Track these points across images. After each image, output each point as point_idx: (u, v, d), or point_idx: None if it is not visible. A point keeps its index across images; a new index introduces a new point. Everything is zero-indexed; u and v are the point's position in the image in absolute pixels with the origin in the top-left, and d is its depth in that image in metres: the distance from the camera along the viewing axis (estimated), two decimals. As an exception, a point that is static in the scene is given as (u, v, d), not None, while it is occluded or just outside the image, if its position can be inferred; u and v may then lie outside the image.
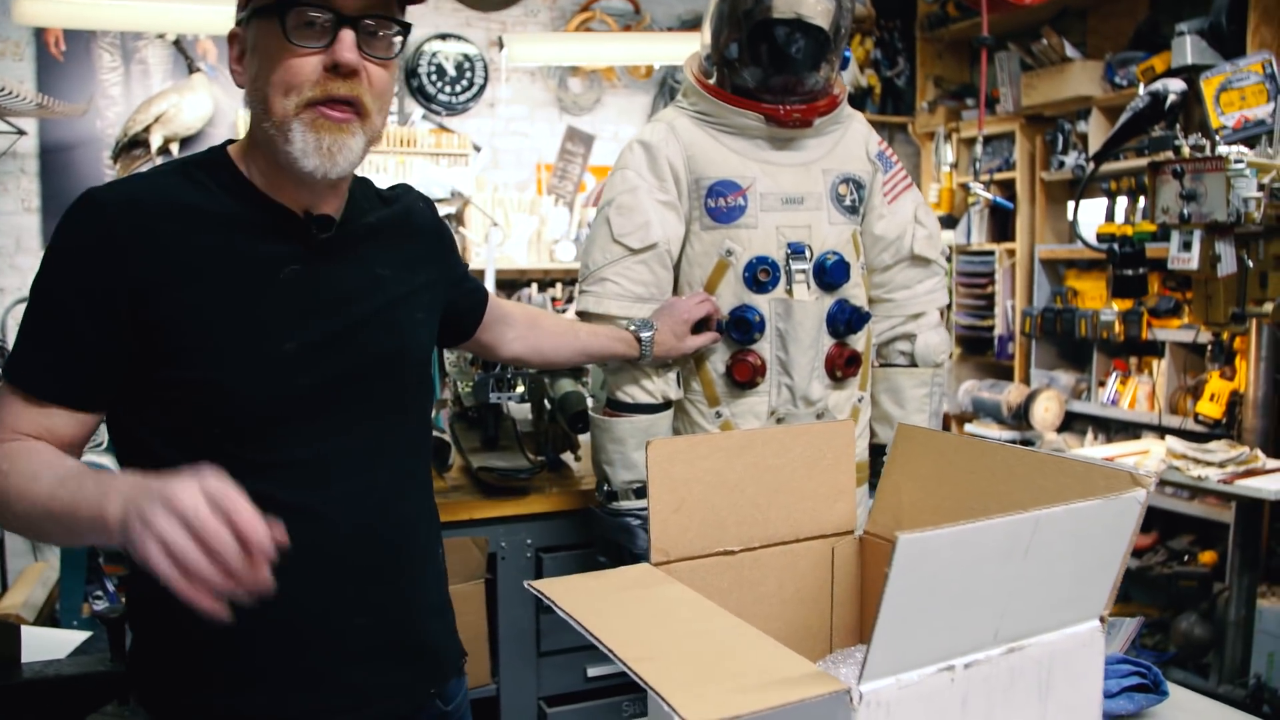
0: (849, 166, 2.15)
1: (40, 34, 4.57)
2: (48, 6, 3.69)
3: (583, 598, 0.92)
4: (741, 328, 2.05)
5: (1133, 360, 4.41)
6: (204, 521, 0.93)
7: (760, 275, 2.05)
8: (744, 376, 2.06)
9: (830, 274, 2.08)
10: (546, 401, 2.49)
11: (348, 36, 1.19)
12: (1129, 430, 4.40)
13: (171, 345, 1.19)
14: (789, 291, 2.07)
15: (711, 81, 2.11)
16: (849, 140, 2.18)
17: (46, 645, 2.60)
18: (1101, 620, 0.90)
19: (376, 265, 1.35)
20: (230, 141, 1.33)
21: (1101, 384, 4.49)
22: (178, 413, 1.21)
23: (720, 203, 2.06)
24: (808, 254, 2.08)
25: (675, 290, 2.13)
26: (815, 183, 2.11)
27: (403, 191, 1.51)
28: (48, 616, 4.04)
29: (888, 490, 1.16)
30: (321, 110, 1.20)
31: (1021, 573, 0.79)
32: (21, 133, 4.55)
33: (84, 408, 1.21)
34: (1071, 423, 4.63)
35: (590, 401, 2.32)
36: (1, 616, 3.71)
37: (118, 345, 1.18)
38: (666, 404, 2.11)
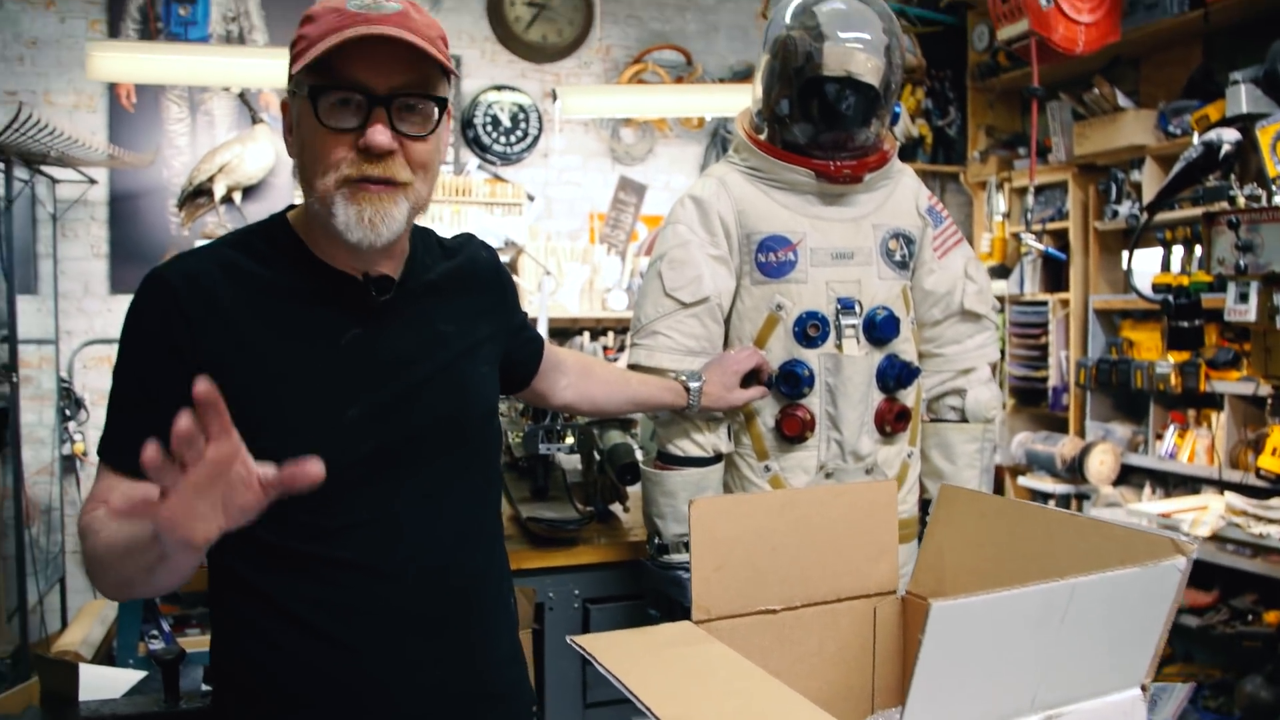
0: (899, 221, 2.17)
1: (113, 87, 4.74)
2: (119, 64, 3.83)
3: (623, 654, 0.93)
4: (791, 382, 2.06)
5: (1191, 413, 4.34)
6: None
7: (810, 330, 2.06)
8: (793, 431, 2.07)
9: (880, 329, 2.09)
10: (595, 453, 2.51)
11: (379, 118, 1.19)
12: (1188, 484, 4.32)
13: (239, 416, 1.20)
14: (838, 346, 2.08)
15: (763, 137, 2.14)
16: (899, 195, 2.19)
17: (103, 684, 2.64)
18: (1143, 689, 0.90)
19: (439, 321, 1.37)
20: (291, 207, 1.37)
21: (1159, 437, 4.42)
22: None
23: (770, 258, 2.08)
24: (857, 309, 2.09)
25: (725, 344, 2.15)
26: (865, 238, 2.12)
27: (465, 241, 1.52)
28: (105, 654, 4.12)
29: (930, 551, 1.17)
30: (360, 185, 1.21)
31: (1058, 640, 0.80)
32: (92, 181, 4.71)
33: None
34: (1129, 476, 4.56)
35: (639, 454, 2.34)
36: (60, 654, 3.79)
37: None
38: (717, 457, 2.12)
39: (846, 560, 1.14)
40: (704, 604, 1.06)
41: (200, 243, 1.71)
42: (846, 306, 2.08)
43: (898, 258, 2.15)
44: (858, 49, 2.01)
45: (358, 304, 1.30)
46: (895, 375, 2.10)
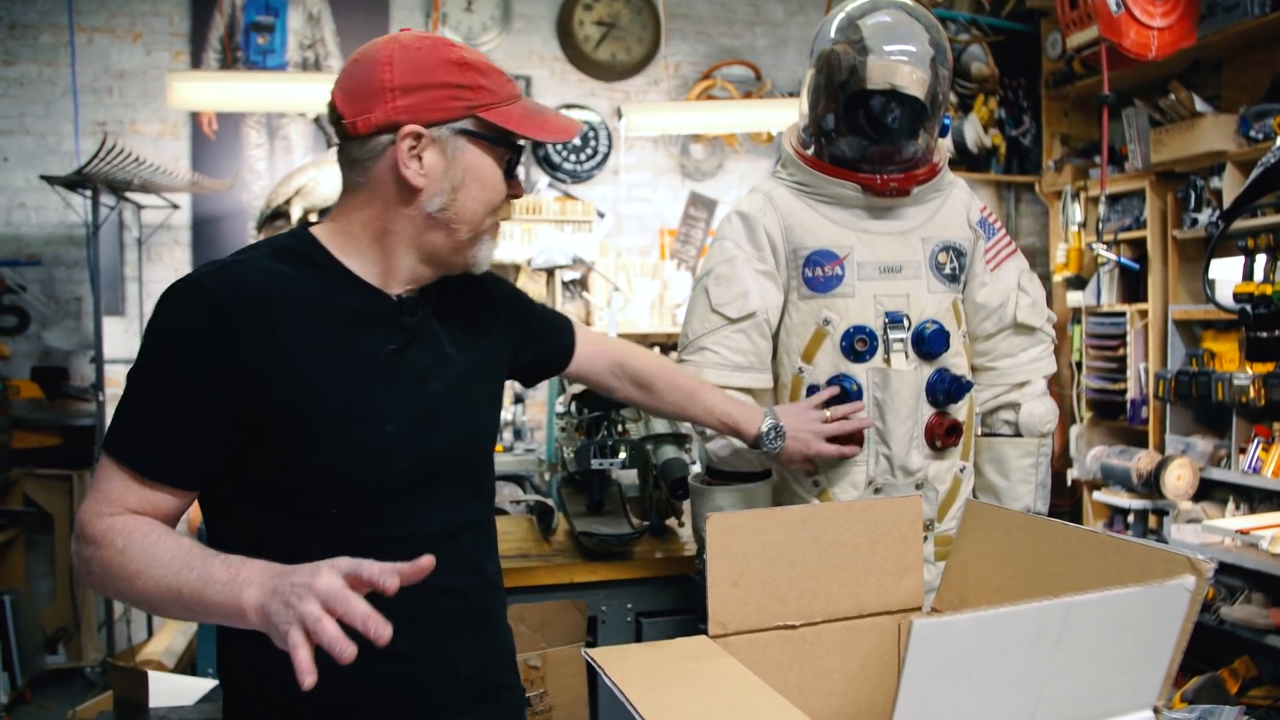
0: (949, 234, 2.14)
1: (195, 115, 4.91)
2: (198, 93, 3.96)
3: (633, 667, 0.94)
4: (839, 397, 2.05)
5: (1276, 426, 4.20)
6: (336, 593, 1.01)
7: (857, 344, 2.05)
8: (841, 446, 2.06)
9: (929, 343, 2.07)
10: (651, 468, 2.52)
11: (521, 172, 1.39)
12: (1273, 500, 4.18)
13: (281, 430, 1.25)
14: (887, 360, 2.06)
15: (809, 152, 2.14)
16: (949, 207, 2.17)
17: (177, 692, 2.74)
18: (1155, 711, 0.88)
19: (444, 343, 1.42)
20: (308, 224, 1.40)
21: (1242, 450, 4.28)
22: (287, 494, 1.28)
23: (817, 272, 2.08)
24: (906, 323, 2.07)
25: (774, 359, 2.14)
26: (914, 251, 2.10)
27: None
28: (187, 664, 4.25)
29: (955, 567, 1.16)
30: (497, 226, 1.41)
31: (1055, 659, 0.78)
32: (175, 206, 4.88)
33: (191, 487, 1.26)
34: (1211, 491, 4.42)
35: (694, 468, 2.35)
36: (144, 663, 3.91)
37: (227, 430, 1.23)
38: (766, 473, 2.12)
39: (869, 576, 1.14)
40: (720, 618, 1.06)
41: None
42: (894, 320, 2.07)
43: (948, 271, 2.12)
44: (903, 62, 2.00)
45: (391, 322, 1.35)
46: (945, 389, 2.07)
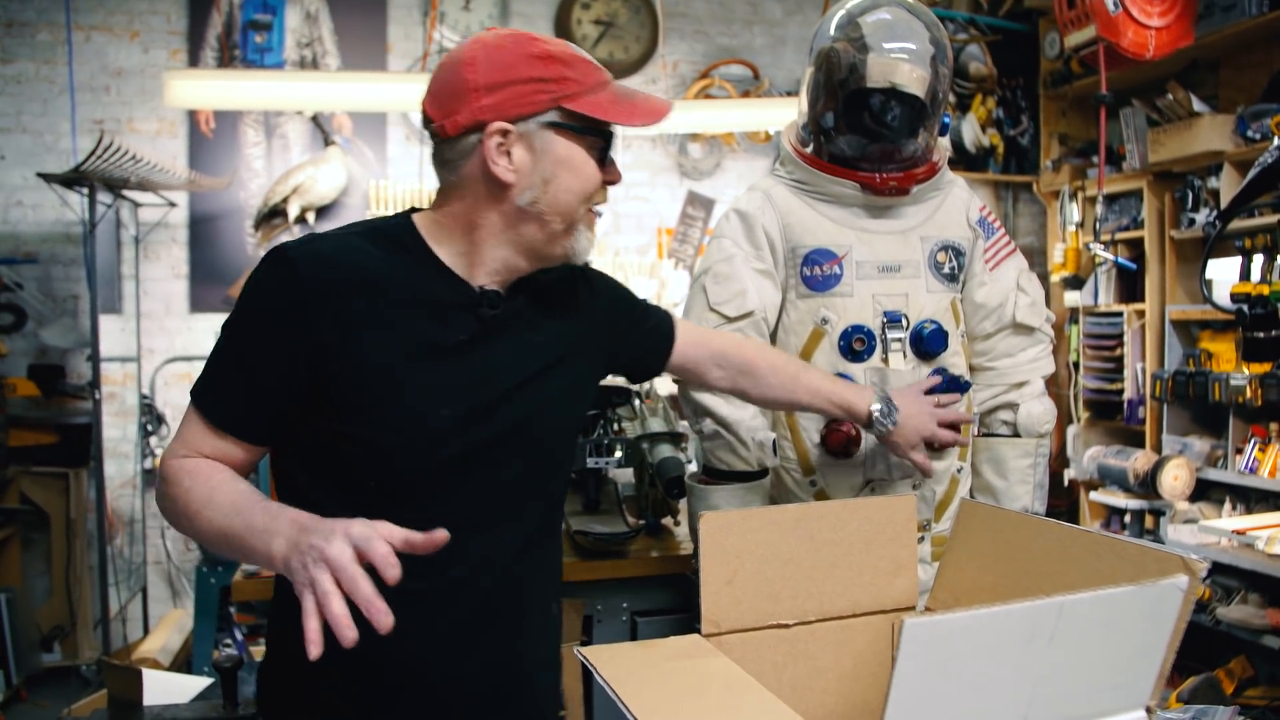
0: (948, 233, 2.14)
1: (192, 113, 4.91)
2: (195, 91, 3.96)
3: (626, 666, 0.94)
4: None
5: (1273, 426, 4.20)
6: (345, 568, 1.04)
7: (855, 344, 2.05)
8: (838, 445, 2.05)
9: (927, 343, 2.06)
10: (646, 467, 2.52)
11: (617, 159, 1.39)
12: (1270, 500, 4.18)
13: (341, 402, 1.29)
14: (885, 360, 2.06)
15: (808, 150, 2.14)
16: (949, 207, 2.17)
17: (172, 690, 2.74)
18: (1148, 711, 0.88)
19: (530, 333, 1.43)
20: (413, 210, 1.42)
21: (1239, 451, 4.28)
22: (334, 463, 1.32)
23: (815, 271, 2.07)
24: (904, 322, 2.07)
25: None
26: (913, 250, 2.10)
27: None
28: (183, 662, 4.25)
29: (950, 567, 1.15)
30: (593, 214, 1.42)
31: (1047, 659, 0.78)
32: (173, 205, 4.87)
33: (256, 442, 1.33)
34: (1207, 491, 4.42)
35: (691, 467, 2.34)
36: (139, 660, 3.92)
37: (294, 395, 1.29)
38: (762, 472, 2.11)
39: (863, 575, 1.13)
40: (714, 617, 1.06)
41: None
42: (893, 320, 2.06)
43: (946, 270, 2.12)
44: (903, 60, 1.99)
45: (469, 313, 1.36)
46: (943, 389, 2.07)
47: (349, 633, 1.01)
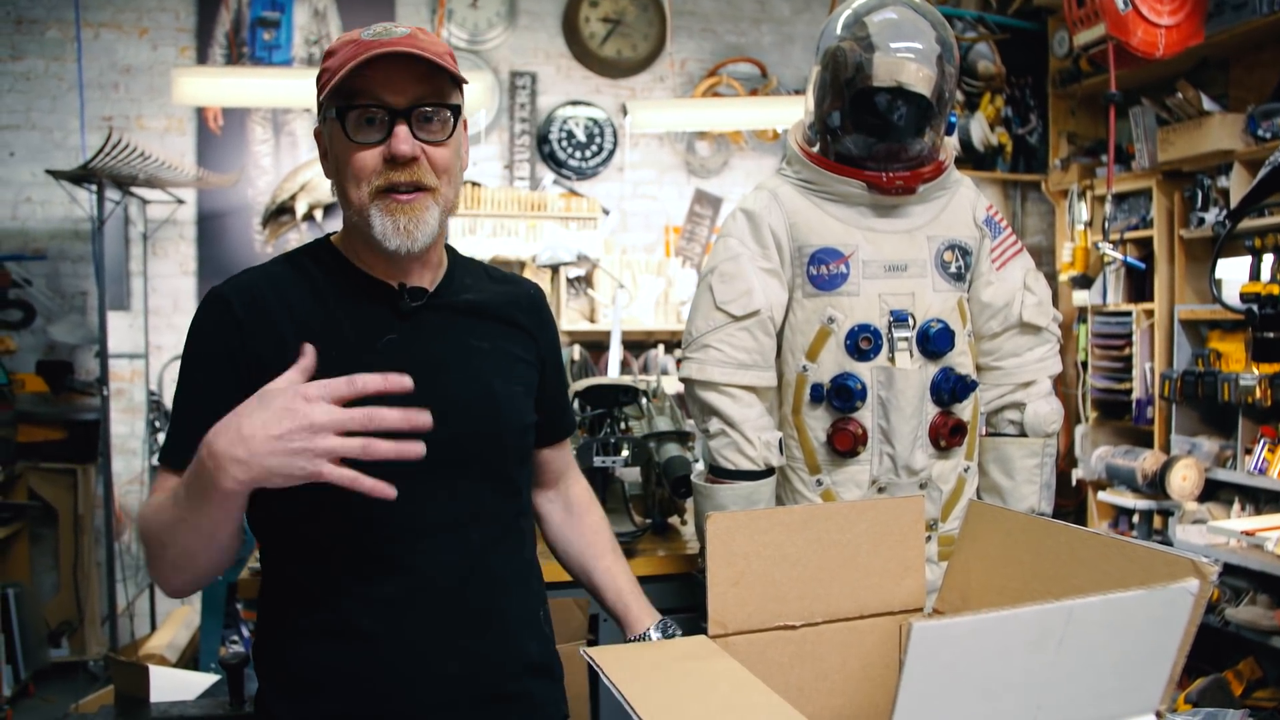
0: (955, 233, 2.14)
1: (200, 110, 4.91)
2: (203, 88, 3.96)
3: (632, 667, 0.94)
4: (843, 396, 2.04)
5: (1282, 427, 4.18)
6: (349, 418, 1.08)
7: (862, 343, 2.04)
8: (845, 445, 2.05)
9: (934, 342, 2.06)
10: (653, 466, 2.51)
11: (401, 130, 1.29)
12: (1279, 501, 4.16)
13: None
14: (891, 359, 2.05)
15: (815, 149, 2.13)
16: (955, 206, 2.16)
17: (179, 686, 2.73)
18: (1158, 715, 0.87)
19: (472, 337, 1.42)
20: (333, 233, 1.46)
21: (1248, 451, 4.26)
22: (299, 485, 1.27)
23: (822, 270, 2.07)
24: (911, 321, 2.07)
25: (779, 357, 2.13)
26: (919, 249, 2.10)
27: (516, 277, 1.60)
28: (190, 658, 4.26)
29: (957, 568, 1.15)
30: (392, 195, 1.31)
31: (1056, 664, 0.78)
32: (181, 202, 4.88)
33: None
34: (1216, 492, 4.40)
35: (697, 467, 2.34)
36: (146, 657, 3.93)
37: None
38: (769, 471, 2.11)
39: (870, 577, 1.13)
40: (720, 618, 1.06)
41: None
42: (899, 319, 2.06)
43: (953, 269, 2.11)
44: (909, 59, 1.99)
45: (394, 311, 1.37)
46: (950, 389, 2.07)
47: (390, 490, 1.07)
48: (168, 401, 4.93)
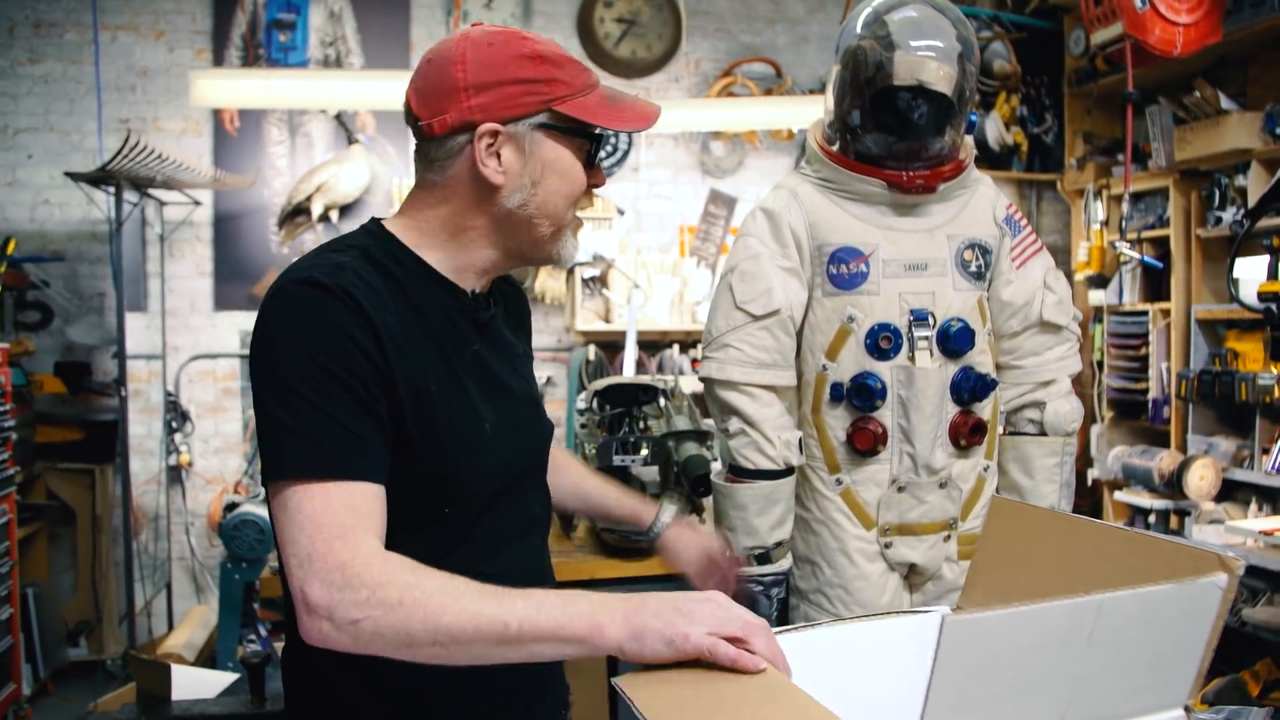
0: (975, 231, 2.13)
1: (217, 112, 4.94)
2: (219, 90, 3.99)
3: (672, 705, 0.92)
4: (863, 395, 2.04)
5: (1301, 426, 4.17)
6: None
7: (882, 342, 2.04)
8: (865, 444, 2.05)
9: (954, 341, 2.06)
10: (672, 465, 2.52)
11: (601, 163, 1.37)
12: (1297, 501, 4.15)
13: (401, 430, 1.22)
14: (911, 358, 2.05)
15: (834, 148, 2.13)
16: (975, 205, 2.16)
17: (200, 685, 2.75)
18: (1187, 710, 0.87)
19: (510, 340, 1.45)
20: (376, 222, 1.36)
21: (1266, 451, 4.24)
22: (399, 492, 1.21)
23: (842, 269, 2.07)
24: (931, 320, 2.06)
25: (798, 356, 2.13)
26: (939, 248, 2.09)
27: (502, 276, 1.56)
28: (208, 657, 4.28)
29: (981, 565, 1.15)
30: (580, 219, 1.39)
31: (1086, 658, 0.78)
32: (197, 203, 4.91)
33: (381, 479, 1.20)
34: (1233, 492, 4.39)
35: (716, 465, 2.34)
36: (164, 656, 3.94)
37: (383, 417, 1.20)
38: (789, 470, 2.11)
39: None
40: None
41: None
42: (920, 318, 2.06)
43: (973, 268, 2.11)
44: (929, 57, 1.99)
45: (472, 319, 1.36)
46: (970, 388, 2.07)
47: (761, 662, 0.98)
48: (184, 402, 4.95)
